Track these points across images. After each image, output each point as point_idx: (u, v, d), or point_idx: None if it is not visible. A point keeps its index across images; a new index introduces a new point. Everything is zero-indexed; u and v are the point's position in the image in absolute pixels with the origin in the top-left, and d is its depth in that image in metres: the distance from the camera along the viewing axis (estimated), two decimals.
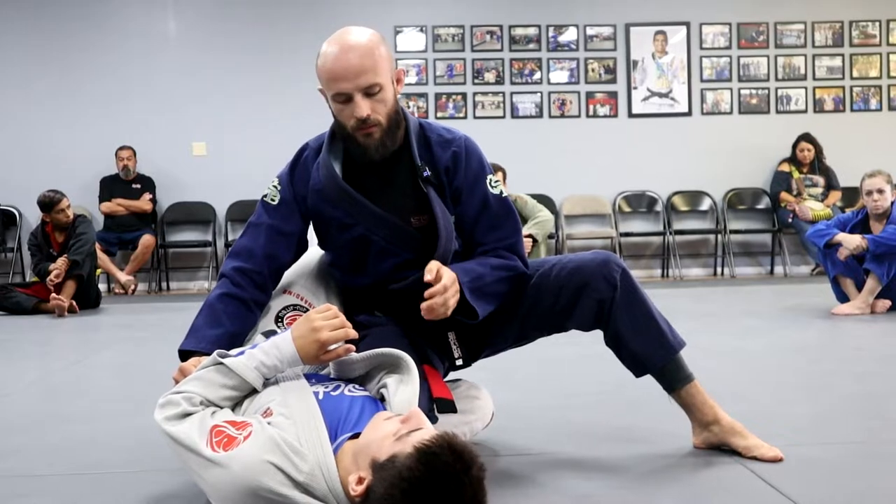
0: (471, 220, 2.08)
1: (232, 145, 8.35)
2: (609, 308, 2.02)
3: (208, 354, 1.82)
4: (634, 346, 2.04)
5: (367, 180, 2.06)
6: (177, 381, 1.84)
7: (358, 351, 1.86)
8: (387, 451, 1.45)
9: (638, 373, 2.10)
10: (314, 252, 2.24)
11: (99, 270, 6.90)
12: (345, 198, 2.04)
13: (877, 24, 8.86)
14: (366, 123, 1.96)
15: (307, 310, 2.07)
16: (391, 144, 2.02)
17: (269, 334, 1.99)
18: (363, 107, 1.94)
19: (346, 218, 2.06)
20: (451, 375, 2.21)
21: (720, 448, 2.09)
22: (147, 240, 7.83)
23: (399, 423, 1.51)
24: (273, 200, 2.12)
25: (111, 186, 8.09)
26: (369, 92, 1.94)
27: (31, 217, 8.06)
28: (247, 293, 2.05)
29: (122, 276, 7.61)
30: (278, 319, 2.07)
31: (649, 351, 2.04)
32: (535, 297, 2.08)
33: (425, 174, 2.03)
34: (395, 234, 2.05)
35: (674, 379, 2.07)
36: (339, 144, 2.07)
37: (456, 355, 2.09)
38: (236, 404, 1.75)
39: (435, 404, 1.87)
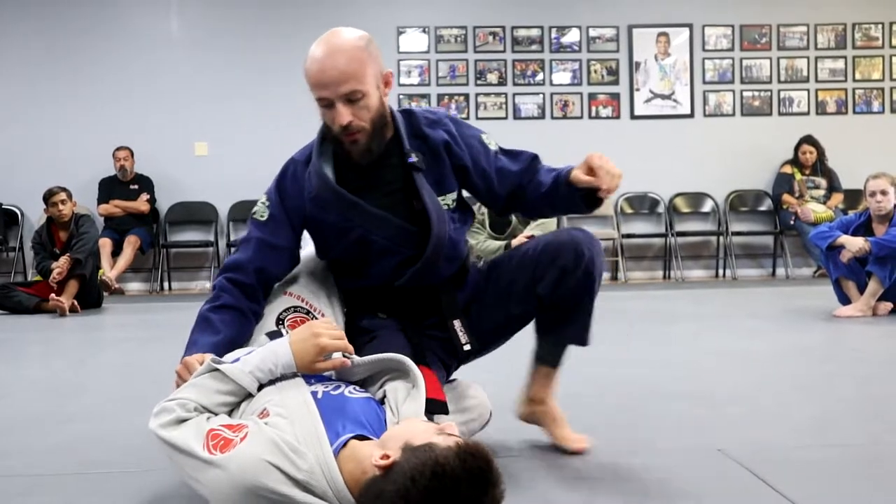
0: (501, 174, 2.19)
1: (234, 145, 8.35)
2: (564, 279, 2.05)
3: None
4: (563, 320, 2.12)
5: (358, 179, 2.06)
6: (179, 375, 1.84)
7: (362, 355, 1.85)
8: (425, 438, 1.47)
9: (542, 337, 2.19)
10: (314, 253, 2.24)
11: (101, 271, 6.89)
12: (340, 201, 2.04)
13: (879, 26, 8.86)
14: (348, 130, 1.96)
15: (308, 311, 2.08)
16: (377, 148, 2.02)
17: (273, 335, 1.99)
18: (344, 114, 1.94)
19: (343, 222, 2.06)
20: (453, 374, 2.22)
21: (535, 425, 2.25)
22: (132, 239, 7.80)
23: (437, 428, 1.53)
24: (262, 217, 2.11)
25: (109, 188, 8.10)
26: (351, 99, 1.94)
27: (33, 217, 8.07)
28: (240, 302, 2.04)
29: (112, 273, 7.49)
30: (279, 321, 2.07)
31: (571, 328, 2.14)
32: (516, 271, 2.13)
33: (410, 160, 2.05)
34: (395, 233, 2.06)
35: (552, 356, 2.19)
36: (329, 147, 2.06)
37: (463, 341, 2.10)
38: (233, 409, 1.75)
39: (426, 404, 1.87)
